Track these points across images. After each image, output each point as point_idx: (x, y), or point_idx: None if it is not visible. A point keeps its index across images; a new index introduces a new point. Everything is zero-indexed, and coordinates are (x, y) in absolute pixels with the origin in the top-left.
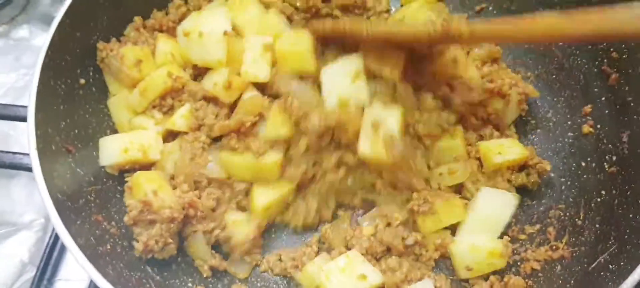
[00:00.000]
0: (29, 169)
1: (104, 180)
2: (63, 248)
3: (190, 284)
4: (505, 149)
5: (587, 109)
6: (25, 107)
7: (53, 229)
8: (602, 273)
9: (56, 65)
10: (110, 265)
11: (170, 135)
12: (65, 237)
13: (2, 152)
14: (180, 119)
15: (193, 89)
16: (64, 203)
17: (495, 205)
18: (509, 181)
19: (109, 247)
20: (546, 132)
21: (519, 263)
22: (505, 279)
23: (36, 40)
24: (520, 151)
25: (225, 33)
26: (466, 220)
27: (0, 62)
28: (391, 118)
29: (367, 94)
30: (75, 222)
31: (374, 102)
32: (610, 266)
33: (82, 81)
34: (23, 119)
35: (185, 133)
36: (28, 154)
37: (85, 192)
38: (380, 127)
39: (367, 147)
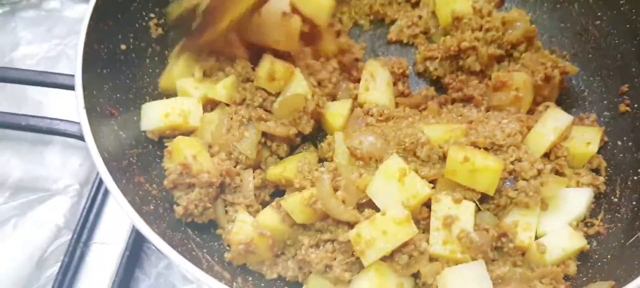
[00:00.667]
0: (64, 134)
1: (145, 144)
2: (99, 212)
3: (229, 248)
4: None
5: (624, 88)
6: (61, 74)
7: (89, 194)
8: (639, 248)
9: (99, 30)
10: (154, 224)
11: (211, 105)
12: (116, 192)
13: (37, 117)
14: (222, 89)
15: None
16: (110, 163)
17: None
18: None
19: (152, 207)
20: (582, 111)
21: None
22: None
23: (67, 11)
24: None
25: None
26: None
27: (33, 32)
28: (465, 215)
29: None
30: (121, 181)
31: (440, 196)
32: None
33: (123, 47)
34: (58, 86)
35: (227, 105)
36: (64, 120)
37: (127, 154)
38: (453, 225)
39: (440, 247)
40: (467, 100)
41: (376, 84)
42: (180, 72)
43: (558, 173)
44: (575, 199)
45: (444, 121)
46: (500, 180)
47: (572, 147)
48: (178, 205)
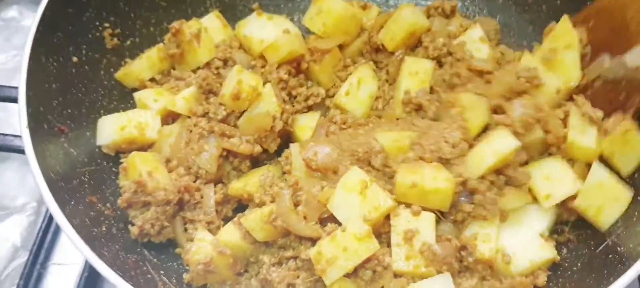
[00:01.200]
0: (20, 151)
1: (98, 160)
2: (56, 232)
3: (188, 267)
4: None
5: None
6: (16, 87)
7: (46, 212)
8: (609, 255)
9: (47, 42)
10: (105, 247)
11: (172, 117)
12: (59, 217)
13: None
14: (182, 100)
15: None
16: (57, 183)
17: None
18: None
19: (104, 229)
20: None
21: None
22: None
23: (26, 21)
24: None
25: None
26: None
27: None
28: (425, 227)
29: None
30: (69, 202)
31: (399, 210)
32: (619, 248)
33: (75, 59)
34: (14, 100)
35: (188, 117)
36: (20, 136)
37: (79, 172)
38: (414, 238)
39: (402, 263)
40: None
41: (359, 93)
42: (141, 68)
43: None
44: (537, 215)
45: (397, 129)
46: (455, 194)
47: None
48: (133, 225)
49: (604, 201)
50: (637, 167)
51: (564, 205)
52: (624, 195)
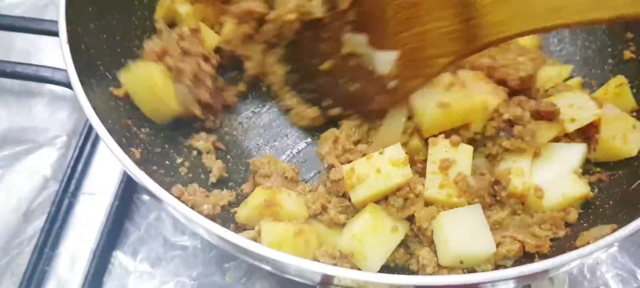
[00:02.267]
0: (51, 81)
1: None
2: (87, 163)
3: None
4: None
5: (629, 35)
6: (49, 21)
7: (76, 145)
8: None
9: None
10: (142, 165)
11: None
12: (98, 126)
13: (24, 64)
14: None
15: None
16: (95, 102)
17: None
18: None
19: (139, 150)
20: (585, 58)
21: None
22: None
23: None
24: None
25: None
26: None
27: None
28: (462, 158)
29: None
30: (107, 121)
31: (437, 140)
32: None
33: None
34: (46, 33)
35: None
36: (51, 67)
37: (114, 95)
38: (451, 168)
39: (435, 191)
40: None
41: None
42: None
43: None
44: (569, 152)
45: None
46: (495, 129)
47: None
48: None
49: (626, 130)
50: None
51: (591, 139)
52: (639, 124)
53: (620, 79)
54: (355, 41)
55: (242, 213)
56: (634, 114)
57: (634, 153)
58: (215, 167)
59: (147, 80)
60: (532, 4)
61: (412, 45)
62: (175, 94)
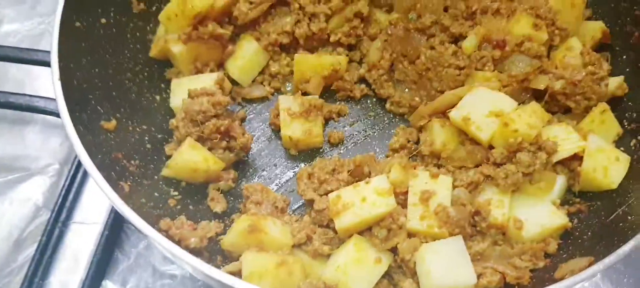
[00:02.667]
0: (43, 112)
1: (124, 120)
2: (78, 192)
3: None
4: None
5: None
6: (42, 51)
7: (68, 173)
8: (620, 224)
9: (78, 3)
10: (130, 200)
11: None
12: (88, 164)
13: (17, 94)
14: None
15: None
16: (86, 137)
17: None
18: None
19: (129, 183)
20: None
21: None
22: None
23: None
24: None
25: None
26: None
27: (17, 10)
28: (442, 189)
29: None
30: (97, 155)
31: (417, 171)
32: (629, 217)
33: (103, 21)
34: (40, 63)
35: None
36: (44, 97)
37: (105, 129)
38: (431, 199)
39: (417, 222)
40: None
41: None
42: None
43: None
44: None
45: None
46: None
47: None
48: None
49: (608, 162)
50: (613, 143)
51: (573, 172)
52: (623, 156)
53: (603, 105)
54: None
55: (227, 240)
56: (619, 137)
57: (614, 186)
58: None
59: (191, 166)
60: None
61: None
62: (215, 160)
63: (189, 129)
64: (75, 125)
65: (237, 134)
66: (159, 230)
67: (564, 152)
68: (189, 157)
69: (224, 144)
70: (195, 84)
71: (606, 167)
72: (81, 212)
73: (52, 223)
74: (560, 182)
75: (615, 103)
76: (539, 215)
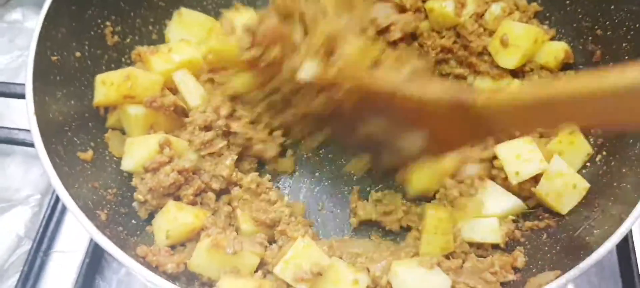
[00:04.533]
0: (24, 144)
1: (100, 150)
2: (59, 221)
3: None
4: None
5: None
6: (21, 84)
7: (49, 203)
8: (587, 238)
9: (52, 37)
10: (107, 229)
11: None
12: (64, 195)
13: None
14: None
15: None
16: (62, 168)
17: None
18: None
19: (106, 212)
20: None
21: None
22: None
23: (29, 22)
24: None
25: None
26: None
27: None
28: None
29: None
30: (74, 185)
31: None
32: (595, 231)
33: (78, 54)
34: (18, 96)
35: None
36: (24, 129)
37: (81, 159)
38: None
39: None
40: None
41: None
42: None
43: None
44: (501, 200)
45: None
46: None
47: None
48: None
49: (564, 188)
50: (583, 164)
51: (525, 190)
52: (582, 184)
53: (571, 126)
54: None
55: (192, 261)
56: (590, 157)
57: (564, 212)
58: None
59: (190, 228)
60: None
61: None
62: (203, 212)
63: (162, 199)
64: (51, 158)
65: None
66: (136, 257)
67: (524, 174)
68: (183, 220)
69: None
70: (150, 144)
71: (560, 193)
72: (62, 241)
73: (34, 253)
74: (511, 201)
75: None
76: (481, 229)
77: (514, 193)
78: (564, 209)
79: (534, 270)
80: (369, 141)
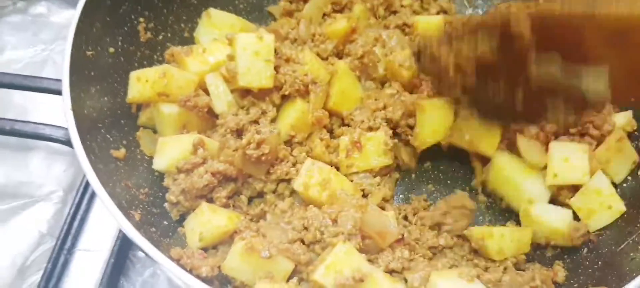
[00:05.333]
0: (49, 139)
1: (133, 148)
2: (83, 219)
3: None
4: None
5: None
6: (46, 78)
7: (73, 200)
8: (631, 254)
9: (87, 31)
10: (142, 229)
11: None
12: (101, 192)
13: (22, 121)
14: None
15: None
16: (96, 165)
17: None
18: None
19: (139, 212)
20: None
21: (544, 247)
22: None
23: (53, 16)
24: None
25: None
26: None
27: (19, 37)
28: None
29: None
30: (108, 184)
31: None
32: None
33: (112, 50)
34: (43, 90)
35: None
36: (49, 125)
37: (115, 157)
38: None
39: None
40: None
41: None
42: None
43: None
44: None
45: None
46: None
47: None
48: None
49: (598, 207)
50: (629, 172)
51: (561, 195)
52: (617, 205)
53: (619, 132)
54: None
55: (226, 264)
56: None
57: (592, 229)
58: None
59: (223, 230)
60: None
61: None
62: (236, 215)
63: (194, 201)
64: (87, 155)
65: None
66: (170, 259)
67: (563, 180)
68: (217, 223)
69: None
70: (183, 144)
71: (593, 210)
72: (86, 239)
73: (57, 251)
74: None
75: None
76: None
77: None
78: (593, 227)
79: (575, 285)
80: (538, 95)
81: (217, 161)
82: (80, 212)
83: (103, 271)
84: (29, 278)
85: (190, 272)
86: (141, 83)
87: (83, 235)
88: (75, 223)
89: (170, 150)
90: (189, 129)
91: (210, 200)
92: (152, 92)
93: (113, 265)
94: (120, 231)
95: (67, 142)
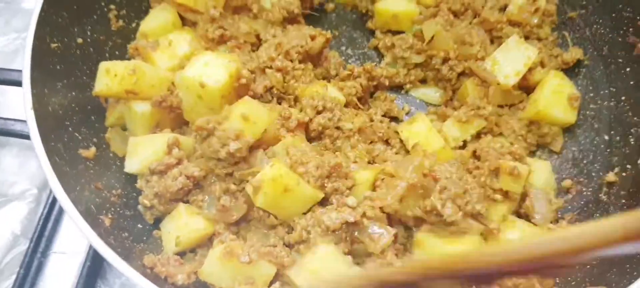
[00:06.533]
0: (20, 136)
1: (103, 146)
2: (58, 220)
3: None
4: None
5: None
6: (17, 70)
7: (47, 200)
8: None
9: (52, 22)
10: (111, 235)
11: None
12: (65, 202)
13: None
14: None
15: None
16: (62, 168)
17: None
18: None
19: (110, 216)
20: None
21: None
22: None
23: (26, 3)
24: None
25: None
26: None
27: None
28: None
29: None
30: (75, 188)
31: None
32: None
33: (80, 40)
34: (14, 83)
35: None
36: (20, 120)
37: (83, 158)
38: None
39: None
40: None
41: None
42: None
43: None
44: None
45: None
46: None
47: None
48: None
49: None
50: None
51: None
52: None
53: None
54: None
55: (204, 270)
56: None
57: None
58: None
59: (201, 234)
60: None
61: None
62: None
63: (169, 205)
64: (50, 158)
65: None
66: (143, 267)
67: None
68: (195, 226)
69: None
70: (156, 144)
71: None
72: (61, 241)
73: (31, 254)
74: None
75: (624, 125)
76: None
77: None
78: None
79: (573, 283)
80: None
81: (193, 165)
82: (55, 211)
83: (79, 274)
84: (1, 283)
85: (164, 280)
86: (110, 76)
87: (58, 237)
88: (50, 224)
89: (142, 151)
90: (162, 128)
91: (187, 203)
92: (119, 88)
93: (89, 268)
94: None
95: None
